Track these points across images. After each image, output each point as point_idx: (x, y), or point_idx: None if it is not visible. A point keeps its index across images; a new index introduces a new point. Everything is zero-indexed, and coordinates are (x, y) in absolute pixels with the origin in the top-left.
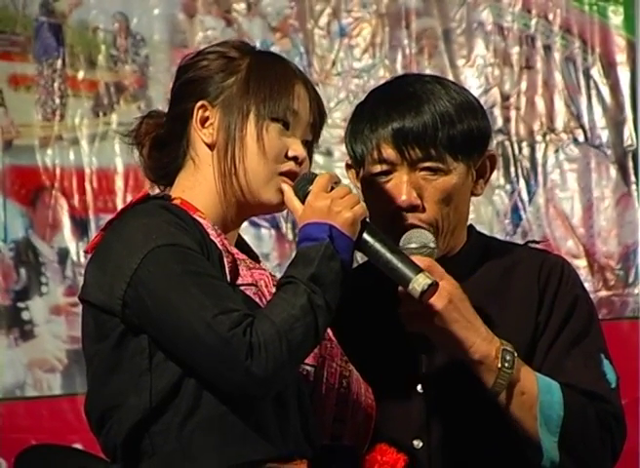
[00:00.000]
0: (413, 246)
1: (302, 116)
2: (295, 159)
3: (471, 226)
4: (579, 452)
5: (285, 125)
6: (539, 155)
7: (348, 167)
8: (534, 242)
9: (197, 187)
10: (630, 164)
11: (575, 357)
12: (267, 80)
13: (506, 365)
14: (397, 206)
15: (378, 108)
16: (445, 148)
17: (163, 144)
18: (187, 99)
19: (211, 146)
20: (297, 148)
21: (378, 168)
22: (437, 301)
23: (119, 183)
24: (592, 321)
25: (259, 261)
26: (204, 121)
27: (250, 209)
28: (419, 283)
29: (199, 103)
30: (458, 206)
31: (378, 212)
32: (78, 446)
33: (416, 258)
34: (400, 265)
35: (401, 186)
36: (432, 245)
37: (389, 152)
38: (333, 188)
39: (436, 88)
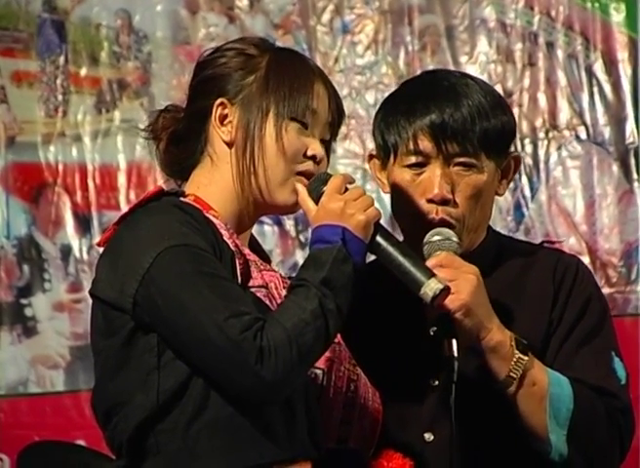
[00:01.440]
0: (436, 238)
1: (321, 115)
2: (313, 158)
3: (489, 225)
4: (587, 446)
5: (304, 124)
6: (541, 152)
7: (371, 157)
8: (549, 242)
9: (213, 185)
10: (632, 161)
11: (586, 353)
12: (287, 79)
13: (521, 353)
14: (429, 198)
15: (415, 99)
16: (480, 144)
17: (180, 140)
18: (206, 97)
19: (229, 144)
20: (315, 148)
21: (412, 159)
22: (466, 283)
23: (122, 180)
24: (605, 319)
25: (269, 261)
26: (223, 119)
27: (265, 208)
28: (430, 287)
29: (218, 101)
30: (485, 204)
31: (406, 203)
32: (81, 442)
33: (435, 254)
34: (412, 269)
35: (434, 179)
36: (455, 239)
37: (426, 144)
38: (347, 189)
39: (469, 82)
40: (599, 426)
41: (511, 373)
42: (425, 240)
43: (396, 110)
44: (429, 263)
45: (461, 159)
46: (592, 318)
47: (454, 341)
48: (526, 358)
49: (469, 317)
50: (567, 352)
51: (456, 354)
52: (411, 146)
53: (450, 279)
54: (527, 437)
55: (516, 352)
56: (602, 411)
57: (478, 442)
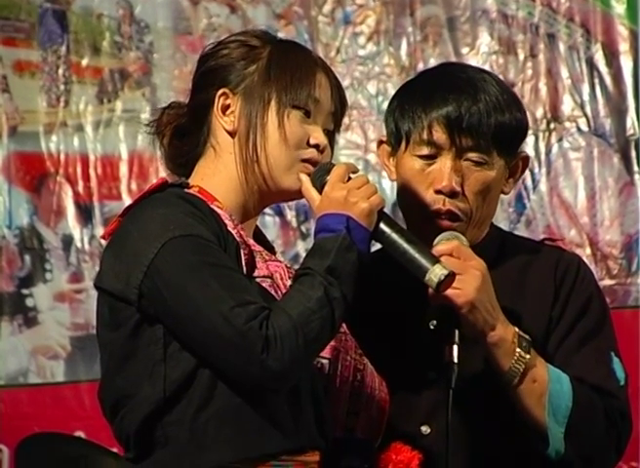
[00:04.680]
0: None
1: (324, 104)
2: (316, 147)
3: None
4: (584, 444)
5: (306, 113)
6: (542, 144)
7: (381, 143)
8: (550, 239)
9: (217, 175)
10: (633, 153)
11: (585, 353)
12: (289, 68)
13: (523, 350)
14: (437, 189)
15: (433, 90)
16: (493, 140)
17: (184, 133)
18: (209, 88)
19: (232, 134)
20: (318, 136)
21: (424, 150)
22: (473, 280)
23: (123, 170)
24: (605, 319)
25: (274, 252)
26: (225, 109)
27: (271, 196)
28: (435, 273)
29: (220, 91)
30: (491, 200)
31: (414, 191)
32: (81, 433)
33: (443, 242)
34: (417, 255)
35: (445, 171)
36: (466, 243)
37: (440, 135)
38: (350, 178)
39: (487, 77)
40: (597, 425)
41: (513, 369)
42: (435, 242)
43: (413, 99)
44: (440, 248)
45: (473, 153)
46: (593, 317)
47: (454, 347)
48: (528, 355)
49: (473, 313)
50: (567, 350)
51: (456, 360)
52: (425, 136)
53: (457, 272)
54: (525, 433)
55: (518, 349)
56: (600, 411)
57: (475, 436)
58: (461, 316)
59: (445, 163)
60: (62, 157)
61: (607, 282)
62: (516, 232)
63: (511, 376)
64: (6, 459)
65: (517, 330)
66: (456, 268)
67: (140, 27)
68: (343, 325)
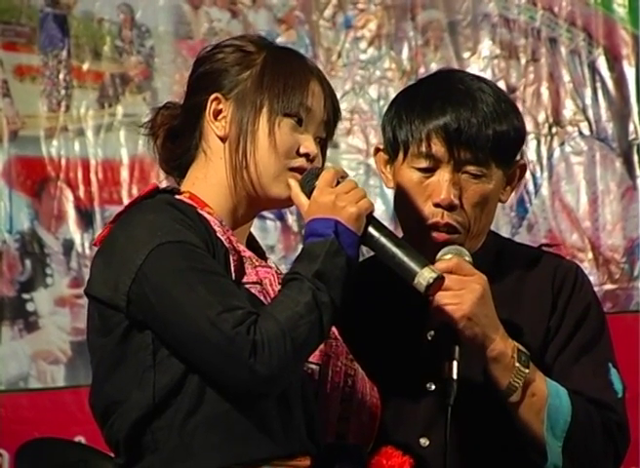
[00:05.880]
0: (448, 257)
1: (316, 113)
2: (306, 155)
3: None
4: (582, 459)
5: (298, 121)
6: (544, 148)
7: (377, 150)
8: (547, 246)
9: (208, 180)
10: (635, 157)
11: (584, 364)
12: (282, 75)
13: (522, 365)
14: (435, 202)
15: (431, 100)
16: (491, 152)
17: (176, 135)
18: (202, 92)
19: (223, 139)
20: (308, 145)
21: (422, 163)
22: (470, 294)
23: (124, 175)
24: (603, 329)
25: (265, 258)
26: (217, 114)
27: (260, 203)
28: (424, 277)
29: (213, 96)
30: (489, 211)
31: (412, 204)
32: (81, 438)
33: (444, 259)
34: (405, 259)
35: (443, 184)
36: (468, 258)
37: (438, 148)
38: (339, 183)
39: (483, 86)
40: (595, 439)
41: (512, 384)
42: (438, 257)
43: (411, 108)
44: (439, 265)
45: (472, 167)
46: (591, 327)
47: (454, 363)
48: (527, 370)
49: (471, 327)
50: (565, 362)
51: (455, 377)
52: (423, 148)
53: (455, 288)
54: (523, 447)
55: (517, 363)
56: (598, 424)
57: (474, 450)
58: (459, 331)
59: (443, 176)
60: (63, 162)
61: (609, 286)
62: (518, 236)
63: (510, 391)
64: (6, 464)
65: (516, 344)
66: (455, 285)
67: (141, 32)
68: (335, 331)
